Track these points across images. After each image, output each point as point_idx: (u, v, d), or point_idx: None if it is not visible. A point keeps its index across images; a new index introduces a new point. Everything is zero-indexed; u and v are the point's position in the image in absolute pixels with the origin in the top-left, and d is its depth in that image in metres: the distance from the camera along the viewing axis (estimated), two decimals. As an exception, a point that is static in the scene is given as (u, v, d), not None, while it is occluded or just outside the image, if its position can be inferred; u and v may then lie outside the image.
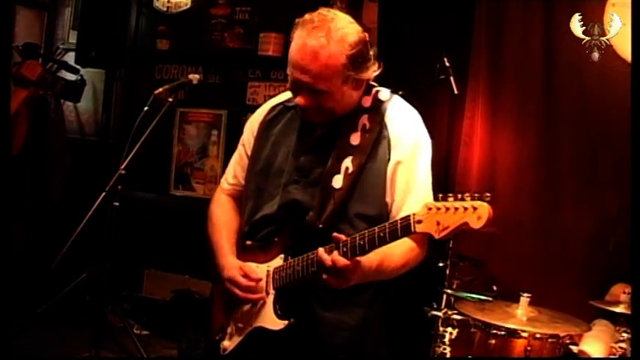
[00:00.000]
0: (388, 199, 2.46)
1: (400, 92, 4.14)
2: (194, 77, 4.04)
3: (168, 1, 6.13)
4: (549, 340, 3.39)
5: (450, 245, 3.93)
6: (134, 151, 3.88)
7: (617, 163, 4.16)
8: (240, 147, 2.80)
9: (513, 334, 3.41)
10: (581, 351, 3.43)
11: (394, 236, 2.19)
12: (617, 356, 3.34)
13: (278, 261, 2.50)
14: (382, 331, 2.67)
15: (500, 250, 4.43)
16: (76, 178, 6.09)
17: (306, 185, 2.50)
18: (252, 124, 2.76)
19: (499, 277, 4.21)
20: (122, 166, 3.89)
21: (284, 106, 2.69)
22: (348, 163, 2.43)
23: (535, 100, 4.53)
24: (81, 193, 4.93)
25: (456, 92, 3.95)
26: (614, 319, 3.55)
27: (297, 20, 2.39)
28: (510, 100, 4.62)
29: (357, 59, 2.37)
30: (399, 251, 2.38)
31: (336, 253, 2.23)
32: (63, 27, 6.51)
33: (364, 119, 2.47)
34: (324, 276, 2.26)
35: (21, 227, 5.77)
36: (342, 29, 2.34)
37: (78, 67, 5.57)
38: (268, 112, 2.72)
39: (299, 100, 2.43)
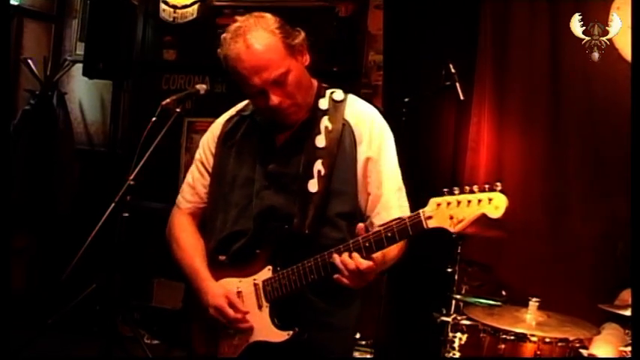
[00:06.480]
0: (363, 195, 2.50)
1: (406, 99, 4.19)
2: (201, 87, 4.02)
3: (175, 12, 6.17)
4: (559, 344, 3.40)
5: (459, 251, 3.94)
6: (143, 161, 3.88)
7: (624, 166, 4.14)
8: (198, 164, 2.79)
9: (523, 338, 3.42)
10: (590, 354, 3.42)
11: (403, 235, 2.22)
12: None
13: (266, 273, 2.48)
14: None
15: (508, 255, 4.43)
16: (84, 189, 6.11)
17: (277, 190, 2.52)
18: (208, 140, 2.76)
19: (508, 282, 4.21)
20: (131, 177, 3.89)
21: (240, 116, 2.71)
22: (319, 166, 2.47)
23: (541, 105, 4.53)
24: (90, 204, 4.94)
25: (462, 98, 3.97)
26: (624, 322, 3.54)
27: (220, 43, 2.56)
28: (517, 105, 4.62)
29: (284, 30, 2.46)
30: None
31: (356, 254, 2.25)
32: (70, 39, 6.55)
33: (325, 121, 2.52)
34: (344, 279, 2.27)
35: (30, 239, 5.80)
36: (258, 18, 2.47)
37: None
38: (224, 125, 2.73)
39: (272, 101, 2.44)
